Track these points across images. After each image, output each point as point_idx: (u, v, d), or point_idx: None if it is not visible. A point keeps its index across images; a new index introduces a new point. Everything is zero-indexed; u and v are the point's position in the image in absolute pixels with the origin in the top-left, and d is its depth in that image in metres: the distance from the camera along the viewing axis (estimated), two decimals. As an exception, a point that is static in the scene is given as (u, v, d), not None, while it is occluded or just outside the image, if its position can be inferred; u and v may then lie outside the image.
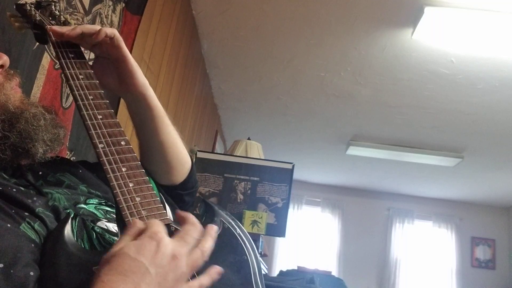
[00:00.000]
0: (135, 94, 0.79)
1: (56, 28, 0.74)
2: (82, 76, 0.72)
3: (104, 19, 1.56)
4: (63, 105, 1.34)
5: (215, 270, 0.56)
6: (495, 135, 3.79)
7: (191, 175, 0.89)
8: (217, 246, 0.65)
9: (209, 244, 0.56)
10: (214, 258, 0.63)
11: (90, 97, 0.70)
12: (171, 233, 0.56)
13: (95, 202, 0.71)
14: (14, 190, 0.62)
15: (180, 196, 0.87)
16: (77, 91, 0.70)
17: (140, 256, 0.49)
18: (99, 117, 0.68)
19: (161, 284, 0.49)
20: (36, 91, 1.19)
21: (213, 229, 0.58)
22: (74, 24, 0.82)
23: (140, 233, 0.53)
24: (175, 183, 0.87)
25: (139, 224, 0.54)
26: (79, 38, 0.75)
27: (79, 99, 0.69)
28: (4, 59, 0.70)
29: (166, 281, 0.49)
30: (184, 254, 0.52)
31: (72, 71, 0.72)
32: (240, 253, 0.65)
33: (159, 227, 0.53)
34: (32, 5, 0.80)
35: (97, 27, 0.74)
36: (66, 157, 1.33)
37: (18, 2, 0.81)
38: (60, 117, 0.77)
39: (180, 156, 0.86)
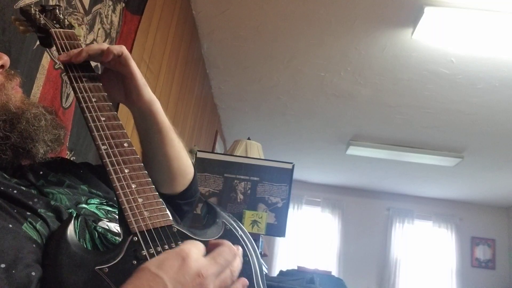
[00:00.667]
0: (141, 110, 0.79)
1: (62, 57, 0.74)
2: (85, 79, 0.73)
3: (104, 19, 1.56)
4: (63, 105, 1.34)
5: (242, 283, 0.55)
6: (495, 135, 3.79)
7: (192, 184, 0.89)
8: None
9: (238, 264, 0.55)
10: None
11: (94, 99, 0.70)
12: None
13: (96, 202, 0.71)
14: (16, 190, 0.62)
15: (178, 205, 0.87)
16: (81, 93, 0.70)
17: (160, 271, 0.48)
18: (102, 119, 0.68)
19: None
20: (36, 91, 1.19)
21: (240, 250, 0.57)
22: (78, 27, 0.82)
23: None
24: (175, 192, 0.87)
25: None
26: (87, 59, 0.75)
27: (82, 101, 0.69)
28: (5, 59, 0.70)
29: None
30: (212, 275, 0.50)
31: (76, 73, 0.73)
32: (242, 254, 0.65)
33: (191, 245, 0.52)
34: (37, 9, 0.81)
35: (103, 46, 0.74)
36: (66, 157, 1.33)
37: (23, 6, 0.81)
38: (60, 117, 0.76)
39: (183, 168, 0.86)
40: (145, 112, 0.79)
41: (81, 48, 0.74)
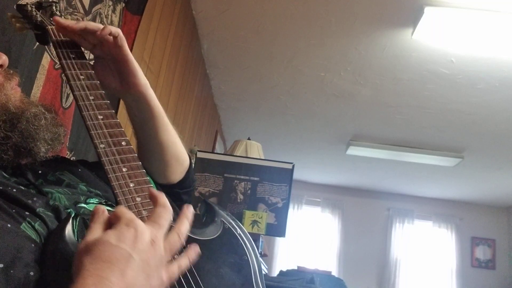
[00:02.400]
0: (136, 94, 0.79)
1: (60, 19, 0.74)
2: (83, 77, 0.72)
3: (104, 19, 1.56)
4: (63, 105, 1.34)
5: (194, 250, 0.56)
6: (495, 135, 3.79)
7: (188, 173, 0.89)
8: (218, 246, 0.65)
9: (185, 226, 0.56)
10: (215, 258, 0.64)
11: (91, 98, 0.70)
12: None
13: (95, 202, 0.71)
14: (15, 189, 0.62)
15: (177, 194, 0.87)
16: (78, 91, 0.70)
17: (121, 243, 0.49)
18: (100, 117, 0.68)
19: (144, 269, 0.49)
20: (36, 91, 1.19)
21: (189, 210, 0.59)
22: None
23: (108, 222, 0.53)
24: (172, 181, 0.87)
25: (105, 212, 0.55)
26: (81, 34, 0.75)
27: (80, 100, 0.69)
28: (4, 59, 0.70)
29: (149, 266, 0.50)
30: (161, 238, 0.52)
31: (73, 71, 0.72)
32: (241, 254, 0.65)
33: (131, 214, 0.53)
34: (33, 6, 0.80)
35: (101, 25, 0.74)
36: (66, 156, 1.33)
37: (19, 3, 0.81)
38: (60, 116, 0.76)
39: (179, 155, 0.86)
40: (140, 96, 0.79)
41: (80, 20, 0.75)
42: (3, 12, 1.01)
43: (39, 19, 0.79)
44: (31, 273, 0.52)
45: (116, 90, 0.81)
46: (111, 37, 0.74)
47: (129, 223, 0.51)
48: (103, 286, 0.45)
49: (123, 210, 0.54)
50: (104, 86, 0.76)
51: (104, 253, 0.48)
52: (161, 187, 0.84)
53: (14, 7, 0.82)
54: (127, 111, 0.84)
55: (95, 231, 0.52)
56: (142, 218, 0.58)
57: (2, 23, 1.01)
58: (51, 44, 0.77)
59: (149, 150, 0.83)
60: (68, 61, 0.74)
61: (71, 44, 0.76)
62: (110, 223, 0.53)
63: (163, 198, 0.58)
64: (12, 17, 0.80)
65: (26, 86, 1.13)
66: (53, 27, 0.77)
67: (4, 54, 0.70)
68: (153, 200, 0.58)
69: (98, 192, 0.74)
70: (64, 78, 0.86)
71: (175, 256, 0.55)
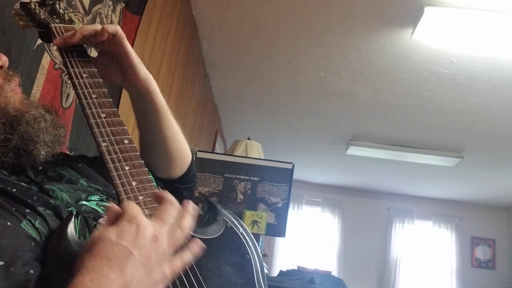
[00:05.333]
0: (138, 89, 0.80)
1: (58, 40, 0.74)
2: (86, 75, 0.72)
3: (104, 19, 1.56)
4: (63, 105, 1.34)
5: (197, 245, 0.56)
6: (495, 135, 3.79)
7: (190, 169, 0.89)
8: (220, 245, 0.65)
9: (187, 221, 0.56)
10: (218, 257, 0.63)
11: (94, 96, 0.70)
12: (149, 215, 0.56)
13: (96, 199, 0.71)
14: (15, 187, 0.62)
15: (178, 190, 0.87)
16: (81, 89, 0.70)
17: (121, 240, 0.49)
18: (103, 115, 0.68)
19: (145, 265, 0.49)
20: (36, 91, 1.19)
21: (190, 205, 0.59)
22: (79, 22, 0.82)
23: (117, 218, 0.53)
24: (174, 176, 0.87)
25: (115, 209, 0.55)
26: (81, 41, 0.75)
27: (83, 98, 0.69)
28: (4, 60, 0.70)
29: (149, 262, 0.50)
30: (164, 234, 0.52)
31: (76, 69, 0.73)
32: (243, 252, 0.65)
33: (136, 210, 0.53)
34: (37, 4, 0.80)
35: (97, 26, 0.74)
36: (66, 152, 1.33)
37: (23, 1, 0.81)
38: (60, 116, 0.76)
39: (181, 150, 0.86)
40: (142, 91, 0.80)
41: (74, 31, 0.74)
42: (3, 11, 1.01)
43: (42, 17, 0.79)
44: (31, 271, 0.52)
45: (119, 83, 0.81)
46: (110, 36, 0.74)
47: (131, 219, 0.52)
48: (102, 283, 0.45)
49: (127, 206, 0.54)
50: (107, 80, 0.77)
51: (104, 250, 0.48)
52: (161, 181, 0.84)
53: (17, 4, 0.81)
54: (131, 102, 0.84)
55: (100, 229, 0.52)
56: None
57: (2, 22, 1.01)
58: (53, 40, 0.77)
59: (151, 143, 0.83)
60: (71, 59, 0.74)
61: None
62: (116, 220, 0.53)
63: (169, 195, 0.58)
64: (15, 15, 0.80)
65: (26, 86, 1.13)
66: (57, 25, 0.78)
67: (4, 55, 0.70)
68: (159, 199, 0.58)
69: (99, 187, 0.74)
70: (67, 76, 0.86)
71: (178, 251, 0.54)
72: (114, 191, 0.62)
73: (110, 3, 1.59)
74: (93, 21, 1.47)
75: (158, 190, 0.60)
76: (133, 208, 0.54)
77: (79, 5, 1.36)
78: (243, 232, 0.68)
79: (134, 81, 0.79)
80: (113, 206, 0.55)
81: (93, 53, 0.86)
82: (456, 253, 5.88)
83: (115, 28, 0.74)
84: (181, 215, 0.57)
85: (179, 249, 0.55)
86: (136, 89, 0.80)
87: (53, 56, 1.23)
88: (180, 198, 0.85)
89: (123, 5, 1.71)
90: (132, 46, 1.80)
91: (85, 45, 0.78)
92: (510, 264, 5.86)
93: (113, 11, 1.63)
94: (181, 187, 0.88)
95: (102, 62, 0.79)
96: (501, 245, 5.97)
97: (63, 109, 1.34)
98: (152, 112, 0.81)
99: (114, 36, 0.74)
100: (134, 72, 0.78)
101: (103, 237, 0.50)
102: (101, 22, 1.53)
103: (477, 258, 5.94)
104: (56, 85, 1.29)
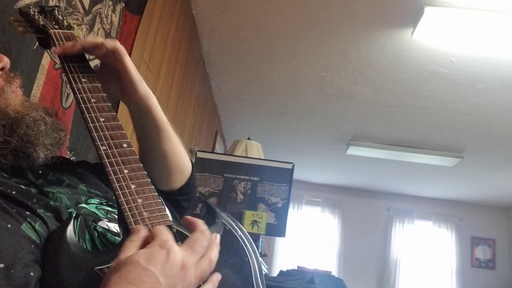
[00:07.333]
0: (138, 105, 0.79)
1: (58, 49, 0.75)
2: (84, 80, 0.73)
3: (104, 19, 1.56)
4: (63, 105, 1.34)
5: (217, 278, 0.56)
6: (495, 135, 3.79)
7: (190, 180, 0.88)
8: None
9: (215, 253, 0.55)
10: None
11: (93, 100, 0.70)
12: (177, 239, 0.56)
13: (96, 202, 0.71)
14: (15, 189, 0.62)
15: (177, 201, 0.86)
16: (80, 94, 0.70)
17: (150, 265, 0.48)
18: (102, 119, 0.68)
19: None
20: (36, 91, 1.19)
21: (218, 238, 0.58)
22: (77, 28, 0.82)
23: (145, 240, 0.53)
24: (173, 188, 0.86)
25: (143, 231, 0.54)
26: (81, 52, 0.75)
27: (82, 102, 0.69)
28: (5, 61, 0.69)
29: None
30: (193, 264, 0.51)
31: (75, 74, 0.73)
32: (241, 255, 0.65)
33: (167, 235, 0.53)
34: (36, 10, 0.80)
35: (98, 40, 0.74)
36: (66, 157, 1.33)
37: (22, 7, 0.81)
38: (60, 117, 0.76)
39: (181, 163, 0.86)
40: (142, 107, 0.79)
41: (75, 42, 0.75)
42: (3, 12, 1.01)
43: (41, 23, 0.79)
44: (31, 273, 0.52)
45: (118, 97, 0.81)
46: (110, 52, 0.74)
47: (163, 244, 0.51)
48: None
49: (160, 229, 0.53)
50: (107, 92, 0.76)
51: (132, 275, 0.47)
52: (161, 193, 0.84)
53: (16, 9, 0.82)
54: (131, 116, 0.83)
55: (129, 250, 0.51)
56: (143, 219, 0.58)
57: (2, 22, 1.01)
58: (53, 47, 0.77)
59: (150, 157, 0.83)
60: (70, 64, 0.74)
61: None
62: (147, 242, 0.52)
63: (202, 225, 0.57)
64: (15, 21, 0.80)
65: (26, 86, 1.13)
66: (56, 31, 0.78)
67: (6, 57, 0.70)
68: (192, 226, 0.57)
69: (98, 192, 0.74)
70: (66, 80, 0.86)
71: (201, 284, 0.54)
72: (113, 196, 0.62)
73: (110, 3, 1.59)
74: (93, 21, 1.47)
75: (190, 217, 0.59)
76: (164, 232, 0.53)
77: (79, 5, 1.36)
78: (242, 234, 0.68)
79: (134, 98, 0.78)
80: (140, 227, 0.54)
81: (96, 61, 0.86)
82: (456, 253, 5.88)
83: (115, 44, 0.74)
84: (210, 247, 0.55)
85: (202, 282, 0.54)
86: (135, 106, 0.79)
87: (53, 56, 1.23)
88: (180, 209, 0.85)
89: (123, 5, 1.71)
90: (132, 46, 1.80)
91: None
92: (510, 264, 5.86)
93: (113, 11, 1.63)
94: (179, 199, 0.87)
95: (102, 75, 0.79)
96: (501, 245, 5.97)
97: (63, 109, 1.34)
98: (151, 128, 0.80)
99: (113, 53, 0.74)
100: (133, 88, 0.77)
101: (133, 259, 0.49)
102: (101, 22, 1.53)
103: (477, 258, 5.94)
104: (56, 85, 1.29)
